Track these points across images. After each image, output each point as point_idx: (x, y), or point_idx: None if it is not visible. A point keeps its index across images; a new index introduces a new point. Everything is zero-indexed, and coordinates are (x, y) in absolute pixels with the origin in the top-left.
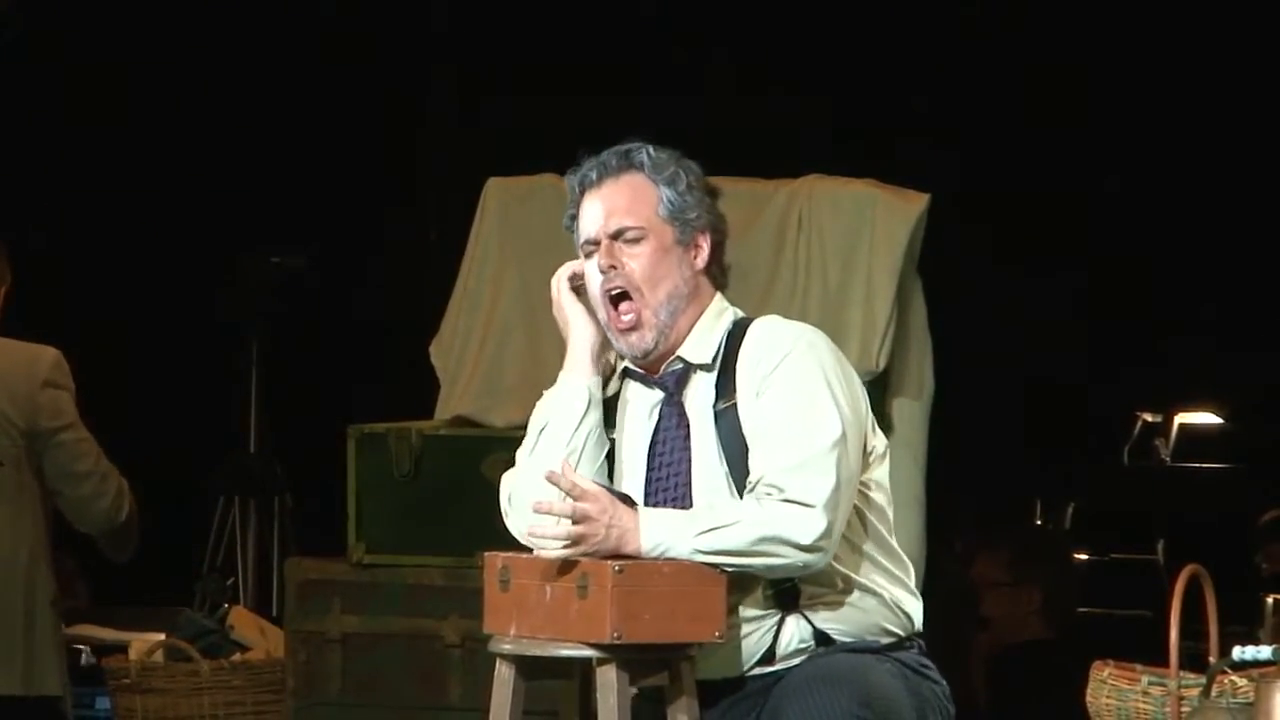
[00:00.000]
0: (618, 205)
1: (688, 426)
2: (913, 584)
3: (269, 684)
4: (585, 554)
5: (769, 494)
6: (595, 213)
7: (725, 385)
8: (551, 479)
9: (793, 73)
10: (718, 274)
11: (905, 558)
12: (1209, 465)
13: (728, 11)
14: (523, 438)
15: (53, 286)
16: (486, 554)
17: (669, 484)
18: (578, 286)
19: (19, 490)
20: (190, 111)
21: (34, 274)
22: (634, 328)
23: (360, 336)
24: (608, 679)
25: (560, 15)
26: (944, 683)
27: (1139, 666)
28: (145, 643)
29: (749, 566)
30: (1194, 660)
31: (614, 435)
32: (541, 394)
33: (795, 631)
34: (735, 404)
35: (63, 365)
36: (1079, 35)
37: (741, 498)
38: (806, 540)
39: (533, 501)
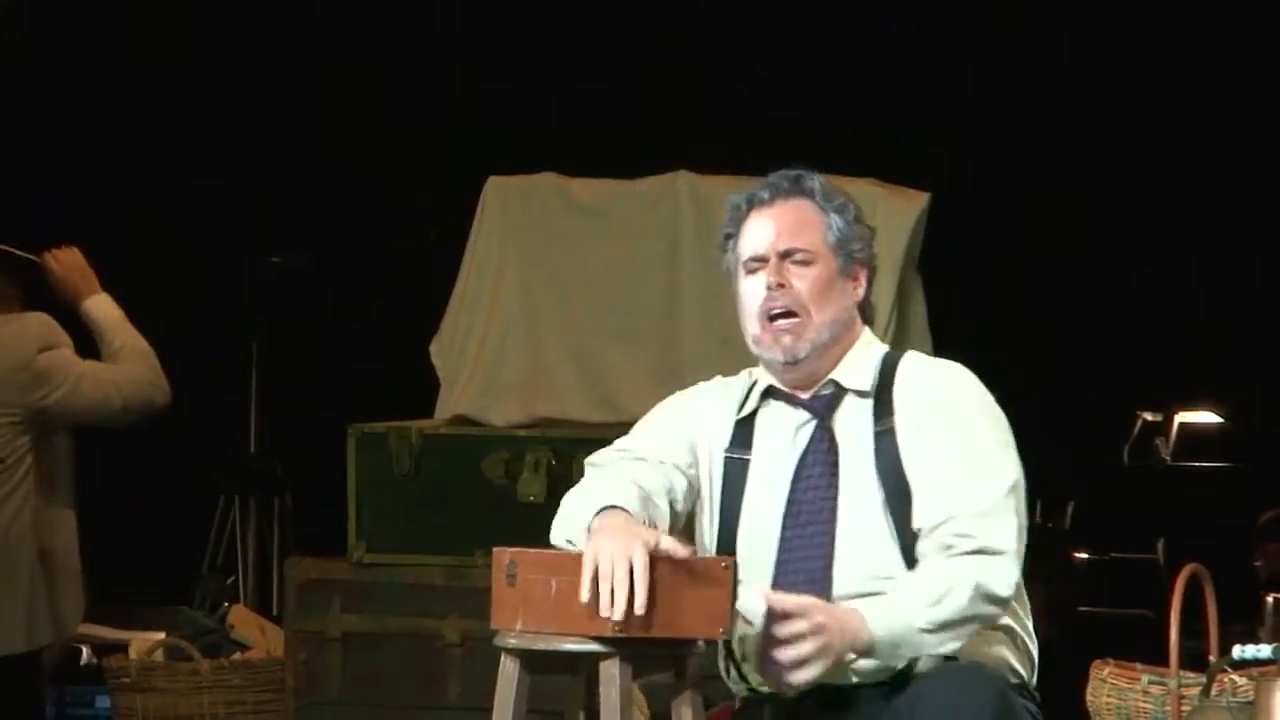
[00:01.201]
0: (789, 225)
1: (837, 452)
2: (1031, 626)
3: (269, 683)
4: (827, 664)
5: (954, 543)
6: (765, 230)
7: (882, 411)
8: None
9: (793, 73)
10: (867, 309)
11: (1027, 600)
12: (1209, 465)
13: (728, 12)
14: (522, 438)
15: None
16: (495, 549)
17: (815, 507)
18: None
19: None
20: (191, 113)
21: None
22: (790, 333)
23: (360, 336)
24: (610, 673)
25: (560, 16)
26: None
27: (1139, 665)
28: (145, 642)
29: (964, 634)
30: (1194, 659)
31: (749, 455)
32: (541, 393)
33: (930, 660)
34: (894, 428)
35: (49, 324)
36: (1076, 34)
37: (900, 527)
38: (1005, 592)
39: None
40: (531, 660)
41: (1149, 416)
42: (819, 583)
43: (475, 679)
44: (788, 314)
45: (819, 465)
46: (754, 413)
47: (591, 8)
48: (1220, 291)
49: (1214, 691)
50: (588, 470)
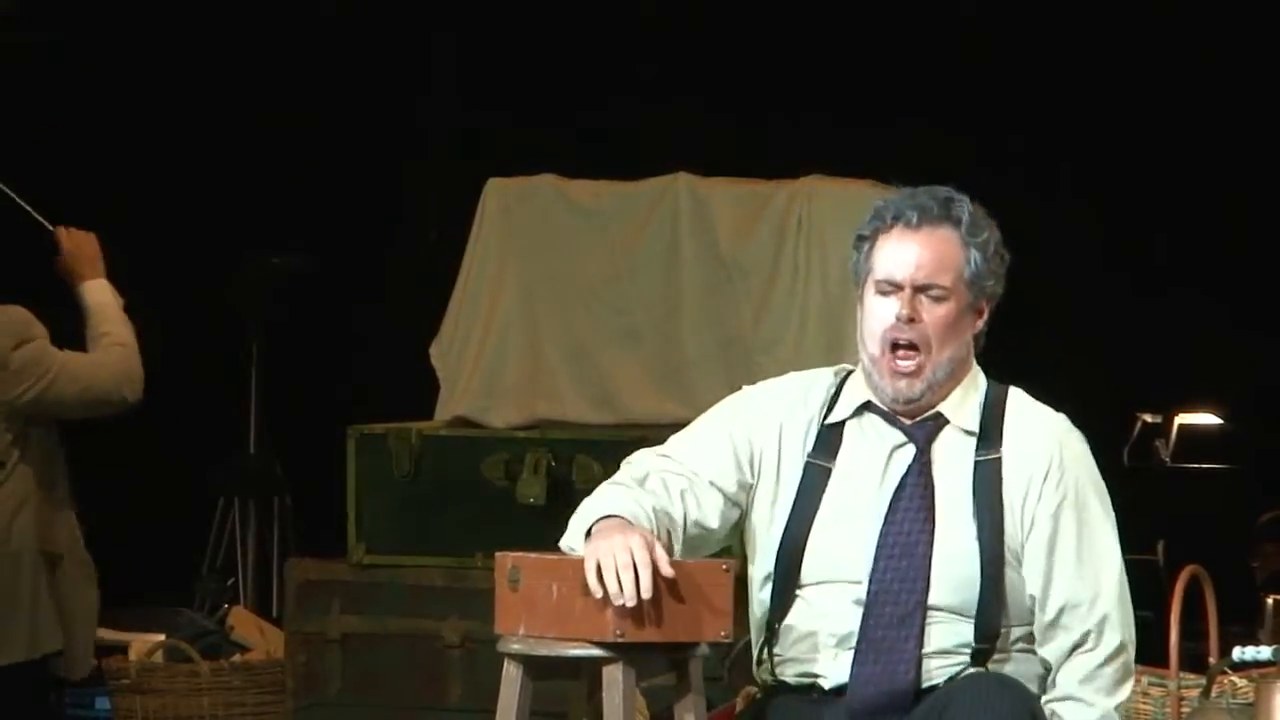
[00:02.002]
0: (930, 259)
1: (933, 486)
2: None
3: (269, 684)
4: None
5: (1095, 644)
6: (907, 256)
7: (987, 443)
8: None
9: (793, 73)
10: (980, 339)
11: None
12: (1209, 466)
13: (728, 12)
14: (522, 439)
15: (51, 285)
16: (497, 554)
17: (910, 539)
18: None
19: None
20: (191, 113)
21: (32, 273)
22: (909, 374)
23: (360, 337)
24: (613, 678)
25: (559, 17)
26: None
27: (1139, 667)
28: (145, 643)
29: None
30: (1194, 660)
31: (832, 464)
32: (541, 395)
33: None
34: (999, 459)
35: (23, 317)
36: (1076, 34)
37: (984, 554)
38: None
39: None
40: (535, 665)
41: (1148, 418)
42: (912, 615)
43: (475, 680)
44: (911, 347)
45: (915, 499)
46: (842, 420)
47: (591, 10)
48: (1220, 292)
49: (1214, 693)
50: (621, 468)
